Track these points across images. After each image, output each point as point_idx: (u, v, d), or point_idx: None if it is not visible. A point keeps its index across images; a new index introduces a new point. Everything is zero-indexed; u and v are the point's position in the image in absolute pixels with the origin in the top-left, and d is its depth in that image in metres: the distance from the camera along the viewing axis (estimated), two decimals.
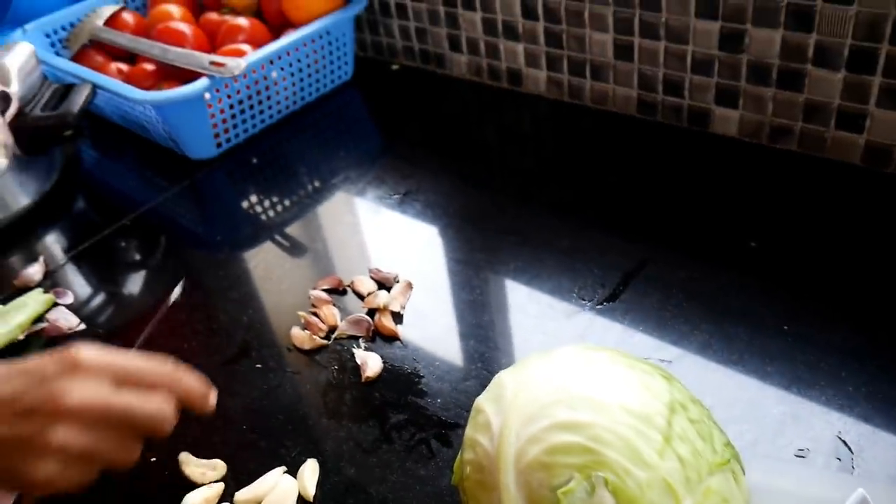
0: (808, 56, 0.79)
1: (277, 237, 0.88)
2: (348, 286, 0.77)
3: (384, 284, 0.76)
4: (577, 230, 0.80)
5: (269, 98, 1.04)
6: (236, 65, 0.93)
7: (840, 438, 0.56)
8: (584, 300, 0.71)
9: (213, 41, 1.10)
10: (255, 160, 1.02)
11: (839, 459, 0.54)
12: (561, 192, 0.86)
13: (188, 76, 0.98)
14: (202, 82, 0.95)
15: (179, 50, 1.01)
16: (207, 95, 0.96)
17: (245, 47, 1.03)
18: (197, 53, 0.99)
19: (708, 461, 0.45)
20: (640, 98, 0.95)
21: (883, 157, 0.80)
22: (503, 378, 0.50)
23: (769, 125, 0.86)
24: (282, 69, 1.04)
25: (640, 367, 0.48)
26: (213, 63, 0.95)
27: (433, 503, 0.56)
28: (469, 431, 0.49)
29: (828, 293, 0.67)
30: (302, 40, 1.04)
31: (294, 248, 0.86)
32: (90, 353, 0.49)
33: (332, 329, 0.72)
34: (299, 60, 1.05)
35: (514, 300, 0.72)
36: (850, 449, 0.55)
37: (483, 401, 0.50)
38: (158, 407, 0.50)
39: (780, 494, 0.50)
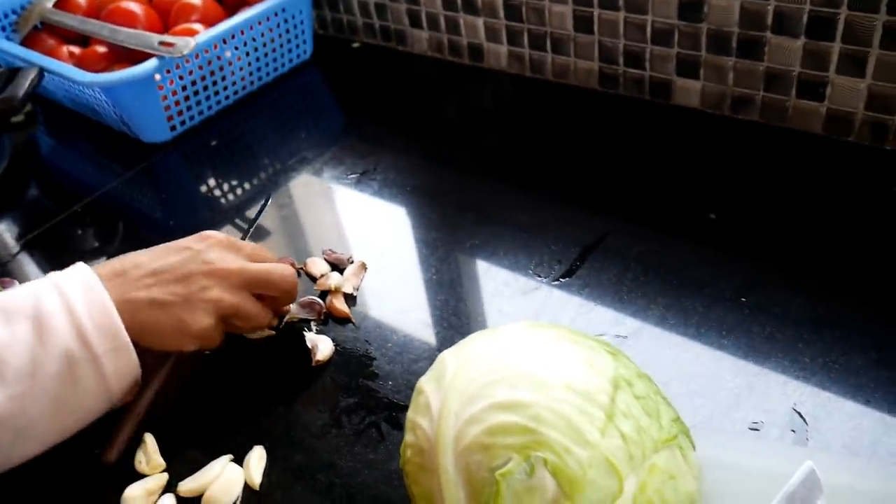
0: (768, 23, 0.77)
1: (234, 220, 0.86)
2: (301, 268, 0.75)
3: (337, 266, 0.74)
4: (536, 206, 0.78)
5: (223, 79, 1.02)
6: (185, 44, 0.90)
7: (795, 410, 0.55)
8: (540, 276, 0.69)
9: (165, 21, 1.07)
10: (212, 143, 1.00)
11: (794, 431, 0.53)
12: (522, 168, 0.85)
13: (141, 57, 0.95)
14: (151, 63, 0.92)
15: (128, 30, 0.98)
16: (157, 77, 0.93)
17: (197, 27, 1.00)
18: (146, 33, 0.96)
19: (653, 438, 0.44)
20: (601, 71, 0.93)
21: (844, 125, 0.78)
22: (445, 357, 0.48)
23: (731, 95, 0.84)
24: (236, 48, 1.01)
25: (586, 344, 0.47)
26: (161, 43, 0.92)
27: (382, 487, 0.55)
28: (410, 413, 0.48)
29: (786, 264, 0.66)
30: (256, 18, 1.01)
31: (252, 232, 0.84)
32: (220, 234, 0.64)
33: (284, 313, 0.70)
34: (254, 39, 1.03)
35: (469, 278, 0.71)
36: (804, 420, 0.54)
37: (424, 381, 0.48)
38: (284, 274, 0.63)
39: (732, 469, 0.49)
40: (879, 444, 0.52)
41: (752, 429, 0.54)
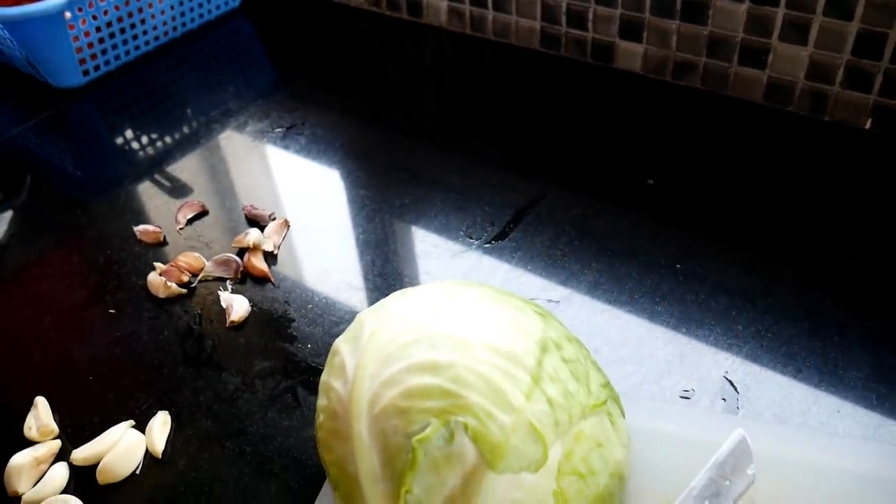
0: None
1: (151, 175, 0.80)
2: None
3: (258, 222, 0.70)
4: (470, 167, 0.75)
5: (143, 22, 0.95)
6: None
7: (727, 378, 0.53)
8: (471, 238, 0.66)
9: None
10: (129, 91, 0.93)
11: (724, 400, 0.52)
12: (458, 129, 0.81)
13: None
14: None
15: None
16: (68, 14, 0.86)
17: None
18: None
19: (581, 403, 0.41)
20: (543, 30, 0.90)
21: (784, 94, 0.77)
22: (363, 317, 0.45)
23: (673, 60, 0.82)
24: None
25: (512, 304, 0.44)
26: None
27: (296, 454, 0.51)
28: (324, 376, 0.44)
29: (722, 232, 0.65)
30: None
31: (167, 186, 0.78)
32: None
33: (198, 271, 0.65)
34: None
35: (397, 239, 0.67)
36: (735, 389, 0.52)
37: (340, 342, 0.45)
38: None
39: (662, 437, 0.48)
40: (810, 413, 0.51)
41: (682, 397, 0.52)
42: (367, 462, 0.40)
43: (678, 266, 0.62)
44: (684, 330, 0.57)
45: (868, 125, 0.74)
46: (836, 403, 0.51)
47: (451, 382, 0.39)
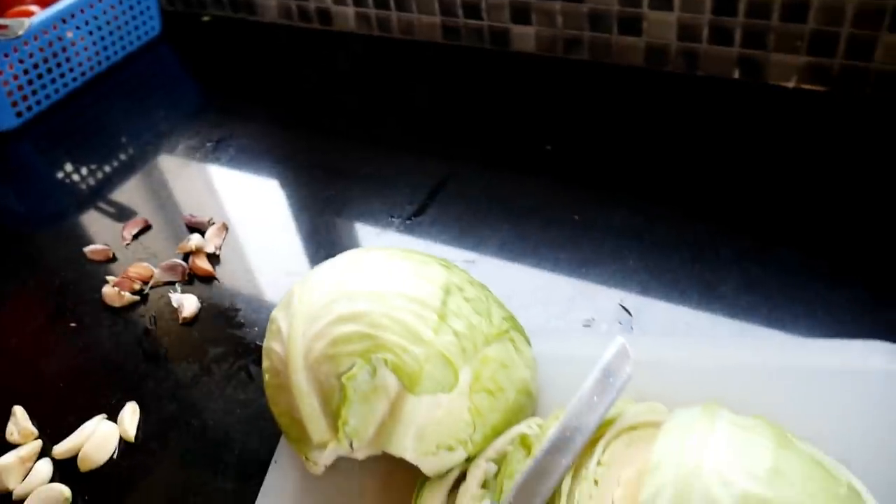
0: None
1: (93, 202, 0.85)
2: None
3: (198, 228, 0.76)
4: (386, 156, 0.82)
5: (68, 59, 1.00)
6: (20, 25, 0.89)
7: (621, 306, 0.61)
8: (393, 217, 0.73)
9: (1, 5, 1.04)
10: (63, 126, 0.98)
11: (620, 323, 0.60)
12: (373, 124, 0.88)
13: None
14: None
15: None
16: None
17: (34, 8, 0.98)
18: None
19: (484, 333, 0.49)
20: (443, 24, 0.98)
21: (661, 56, 0.86)
22: (293, 288, 0.52)
23: (562, 38, 0.91)
24: (78, 28, 0.99)
25: (417, 259, 0.51)
26: None
27: (255, 421, 0.58)
28: (265, 342, 0.51)
29: (612, 183, 0.73)
30: None
31: (110, 210, 0.84)
32: None
33: (148, 278, 0.71)
34: (96, 18, 1.01)
35: (325, 227, 0.74)
36: (629, 313, 0.60)
37: (276, 311, 0.51)
38: None
39: (566, 360, 0.55)
40: (692, 326, 0.59)
41: (584, 325, 0.60)
42: (307, 406, 0.47)
43: (575, 217, 0.70)
44: (584, 271, 0.65)
45: (736, 75, 0.83)
46: (712, 314, 0.59)
47: (369, 327, 0.46)
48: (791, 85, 0.80)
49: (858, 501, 0.39)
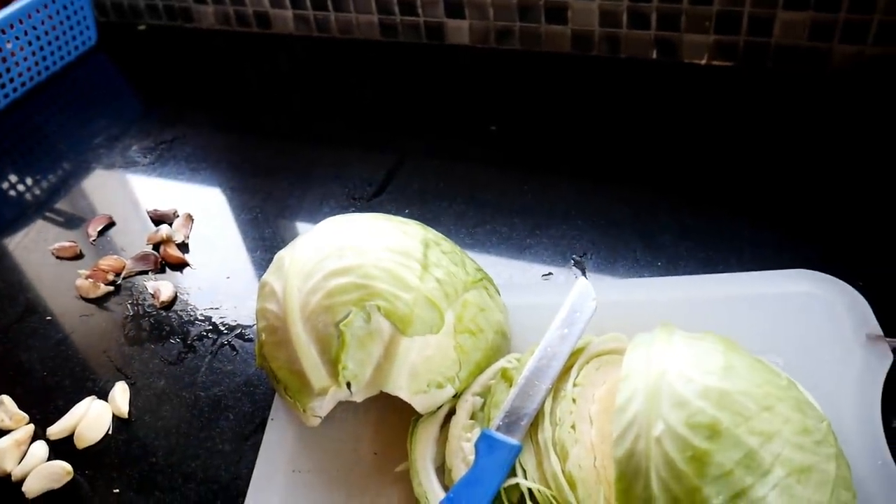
0: None
1: (50, 206, 0.86)
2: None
3: (165, 220, 0.78)
4: (340, 146, 0.86)
5: (9, 70, 1.00)
6: None
7: (574, 258, 0.67)
8: (355, 199, 0.78)
9: None
10: (7, 137, 0.98)
11: (576, 276, 0.66)
12: (321, 120, 0.92)
13: None
14: None
15: None
16: None
17: None
18: None
19: (462, 280, 0.54)
20: (381, 22, 1.03)
21: (586, 42, 0.93)
22: (280, 254, 0.56)
23: (494, 29, 0.97)
24: (17, 38, 1.00)
25: (397, 220, 0.56)
26: None
27: (245, 388, 0.61)
28: (258, 305, 0.55)
29: (553, 155, 0.79)
30: (30, 8, 1.00)
31: (69, 213, 0.85)
32: None
33: (121, 270, 0.73)
34: (35, 28, 1.02)
35: (290, 210, 0.78)
36: (582, 265, 0.67)
37: (266, 276, 0.55)
38: None
39: (532, 308, 0.60)
40: (637, 270, 0.66)
41: (544, 277, 0.66)
42: (307, 356, 0.51)
43: (525, 187, 0.76)
44: (538, 233, 0.71)
45: (654, 55, 0.92)
46: (656, 260, 0.66)
47: (361, 278, 0.50)
48: (703, 62, 0.89)
49: (795, 390, 0.46)
